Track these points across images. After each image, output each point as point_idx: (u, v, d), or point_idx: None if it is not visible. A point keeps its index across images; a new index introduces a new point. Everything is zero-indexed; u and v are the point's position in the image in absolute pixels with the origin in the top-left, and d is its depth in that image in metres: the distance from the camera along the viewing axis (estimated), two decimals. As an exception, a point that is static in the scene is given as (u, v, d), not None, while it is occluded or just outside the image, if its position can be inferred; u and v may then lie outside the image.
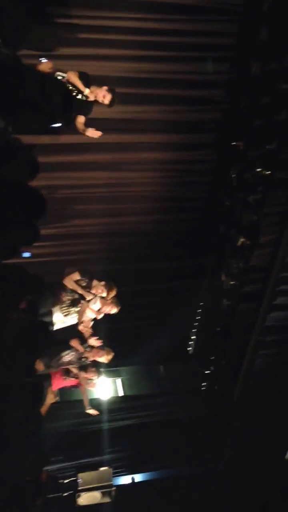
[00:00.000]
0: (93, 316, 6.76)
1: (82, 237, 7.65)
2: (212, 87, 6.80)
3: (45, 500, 6.66)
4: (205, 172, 7.61)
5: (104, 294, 6.65)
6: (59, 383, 7.10)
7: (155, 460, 8.90)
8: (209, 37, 6.36)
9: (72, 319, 6.61)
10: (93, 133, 5.82)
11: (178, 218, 8.00)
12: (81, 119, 5.75)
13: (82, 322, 6.55)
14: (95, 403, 8.43)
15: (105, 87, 5.57)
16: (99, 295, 6.65)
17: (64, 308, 6.51)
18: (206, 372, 8.78)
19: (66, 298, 6.56)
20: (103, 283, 6.69)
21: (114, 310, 6.79)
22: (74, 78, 5.46)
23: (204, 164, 7.50)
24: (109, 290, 6.66)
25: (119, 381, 9.71)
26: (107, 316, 7.25)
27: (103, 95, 5.58)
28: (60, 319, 6.53)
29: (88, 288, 6.63)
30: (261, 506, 8.63)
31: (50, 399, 6.76)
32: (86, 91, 5.53)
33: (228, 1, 6.15)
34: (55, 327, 6.54)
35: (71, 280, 6.55)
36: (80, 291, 6.53)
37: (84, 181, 7.15)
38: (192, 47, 6.40)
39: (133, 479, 8.84)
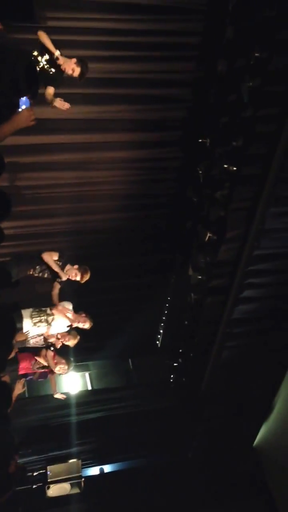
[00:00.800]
0: (65, 325, 6.77)
1: (50, 236, 7.64)
2: (178, 85, 6.82)
3: (15, 492, 6.69)
4: (172, 169, 7.66)
5: (78, 278, 6.62)
6: (26, 367, 7.09)
7: (124, 451, 9.00)
8: (174, 37, 6.37)
9: (42, 329, 6.59)
10: (61, 104, 5.57)
11: (145, 215, 8.05)
12: (50, 90, 5.48)
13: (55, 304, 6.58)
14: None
15: (74, 60, 5.32)
16: (73, 278, 6.63)
17: (35, 316, 6.51)
18: (174, 364, 8.87)
19: (34, 272, 6.55)
20: (76, 266, 6.65)
21: (86, 325, 6.78)
22: (44, 38, 5.14)
23: (171, 161, 7.55)
24: (83, 274, 6.63)
25: (87, 375, 9.74)
26: (77, 311, 7.29)
27: (72, 69, 5.32)
28: (30, 327, 6.54)
29: (62, 268, 6.59)
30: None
31: (18, 389, 6.74)
32: (57, 53, 5.19)
33: (193, 1, 6.15)
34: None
35: (50, 257, 6.49)
36: (56, 268, 6.49)
37: (51, 181, 7.13)
38: (158, 46, 6.41)
39: (102, 470, 8.92)
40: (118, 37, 6.20)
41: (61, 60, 5.28)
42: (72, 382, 8.74)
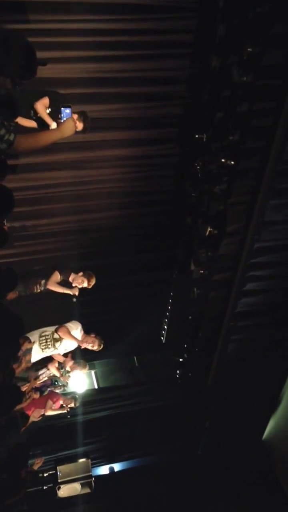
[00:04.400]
0: (73, 347, 6.97)
1: (51, 236, 7.68)
2: (173, 83, 6.87)
3: (26, 494, 6.75)
4: (170, 165, 7.70)
5: (85, 284, 6.91)
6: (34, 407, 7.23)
7: (133, 449, 9.03)
8: (167, 35, 6.41)
9: (49, 352, 6.78)
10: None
11: (145, 212, 8.11)
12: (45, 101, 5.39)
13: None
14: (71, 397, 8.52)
15: (75, 116, 5.35)
16: (80, 286, 6.85)
17: (42, 342, 6.61)
18: (180, 360, 8.89)
19: (39, 290, 6.68)
20: (81, 274, 6.93)
21: (95, 347, 7.04)
22: (41, 109, 5.15)
23: (169, 157, 7.59)
24: (89, 279, 6.91)
25: (93, 373, 9.79)
26: (80, 310, 7.37)
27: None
28: (38, 352, 6.67)
29: (68, 283, 6.85)
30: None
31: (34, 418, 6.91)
32: (53, 125, 5.19)
33: (185, -1, 6.22)
34: (32, 359, 6.68)
35: (54, 283, 6.75)
36: (62, 291, 6.77)
37: (50, 181, 7.19)
38: (152, 45, 6.44)
39: (112, 469, 8.95)
40: (112, 37, 6.23)
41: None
42: (78, 382, 8.77)
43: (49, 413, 7.41)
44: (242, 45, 5.86)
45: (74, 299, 7.03)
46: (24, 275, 6.73)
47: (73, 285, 6.86)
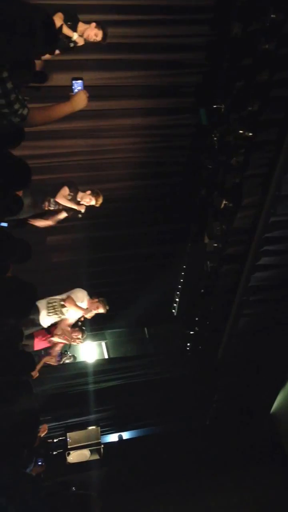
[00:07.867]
0: (79, 315, 6.95)
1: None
2: (192, 50, 6.68)
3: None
4: (186, 136, 7.58)
5: (93, 202, 6.78)
6: (41, 344, 7.22)
7: (142, 418, 9.10)
8: (188, -1, 6.22)
9: (57, 318, 6.79)
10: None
11: (160, 183, 8.00)
12: None
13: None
14: (81, 366, 8.58)
15: (93, 24, 5.32)
16: (87, 204, 6.77)
17: (50, 309, 6.64)
18: (191, 333, 8.89)
19: (48, 207, 6.62)
20: (89, 192, 6.79)
21: (101, 310, 6.94)
22: (59, 23, 4.98)
23: (185, 128, 7.47)
24: (96, 198, 6.79)
25: (104, 344, 9.83)
26: (92, 280, 7.35)
27: (94, 34, 5.33)
28: (45, 318, 6.71)
29: (76, 200, 6.75)
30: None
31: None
32: (75, 36, 5.20)
33: None
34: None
35: (63, 196, 6.58)
36: (69, 205, 6.64)
37: (63, 150, 7.12)
38: (171, 10, 6.25)
39: (120, 436, 9.05)
40: (128, 1, 6.06)
41: (81, 41, 5.31)
42: (89, 351, 8.83)
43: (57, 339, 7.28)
44: (265, 11, 5.69)
45: (80, 215, 6.90)
46: (33, 189, 6.47)
47: (81, 202, 6.80)
